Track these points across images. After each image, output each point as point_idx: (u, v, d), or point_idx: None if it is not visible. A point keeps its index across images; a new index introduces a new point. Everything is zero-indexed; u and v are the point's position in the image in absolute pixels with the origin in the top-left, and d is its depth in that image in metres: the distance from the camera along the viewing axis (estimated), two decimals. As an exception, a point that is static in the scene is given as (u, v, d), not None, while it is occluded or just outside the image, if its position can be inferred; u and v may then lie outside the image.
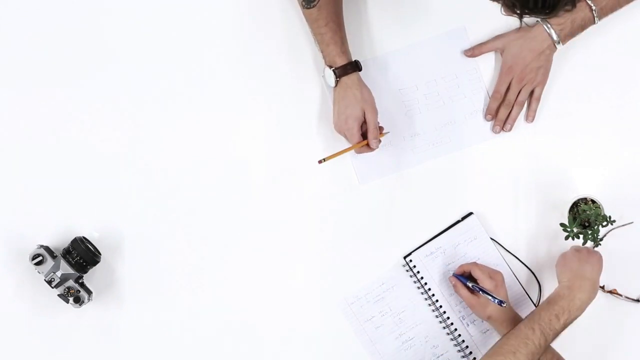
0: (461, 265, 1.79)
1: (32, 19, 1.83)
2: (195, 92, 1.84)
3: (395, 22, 1.80)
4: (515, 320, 1.73)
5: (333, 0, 1.73)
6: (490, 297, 1.71)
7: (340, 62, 1.73)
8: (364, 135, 1.75)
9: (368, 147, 1.75)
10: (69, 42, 1.83)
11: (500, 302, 1.70)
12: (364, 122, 1.75)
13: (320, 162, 1.74)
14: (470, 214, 1.82)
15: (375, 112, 1.74)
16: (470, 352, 1.81)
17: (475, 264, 1.78)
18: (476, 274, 1.75)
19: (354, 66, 1.74)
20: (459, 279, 1.78)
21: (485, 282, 1.73)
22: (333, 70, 1.74)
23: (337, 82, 1.74)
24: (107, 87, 1.83)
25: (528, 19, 1.78)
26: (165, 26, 1.84)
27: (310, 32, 1.76)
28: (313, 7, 1.71)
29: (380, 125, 1.76)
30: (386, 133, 1.79)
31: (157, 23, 1.84)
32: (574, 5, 1.37)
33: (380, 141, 1.75)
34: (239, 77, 1.84)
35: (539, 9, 1.35)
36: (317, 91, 1.83)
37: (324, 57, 1.75)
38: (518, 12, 1.37)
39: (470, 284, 1.75)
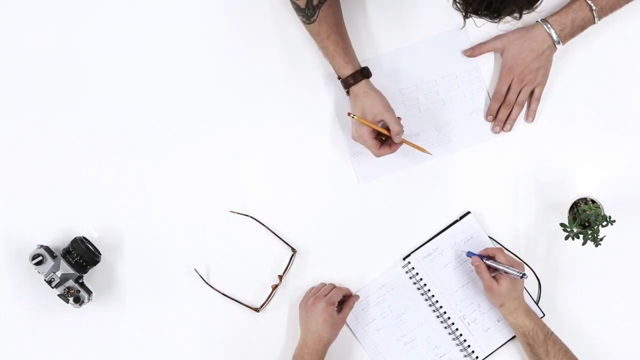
0: (486, 249, 1.77)
1: (35, 22, 1.84)
2: (197, 94, 1.84)
3: (395, 22, 1.80)
4: (526, 312, 1.74)
5: (332, 12, 1.73)
6: (514, 272, 1.70)
7: (346, 72, 1.73)
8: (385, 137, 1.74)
9: (389, 147, 1.74)
10: (72, 47, 1.84)
11: (523, 274, 1.70)
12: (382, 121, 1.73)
13: (349, 114, 1.75)
14: (468, 213, 1.82)
15: (388, 110, 1.72)
16: (473, 351, 1.81)
17: (500, 249, 1.76)
18: (500, 259, 1.73)
19: (361, 74, 1.74)
20: (483, 260, 1.76)
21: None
22: (341, 81, 1.74)
23: (347, 92, 1.75)
24: (107, 87, 1.84)
25: (527, 19, 1.79)
26: (163, 33, 1.85)
27: (316, 45, 1.77)
28: (313, 22, 1.71)
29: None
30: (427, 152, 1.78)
31: (154, 30, 1.85)
32: (520, 15, 1.39)
33: (401, 140, 1.73)
34: (242, 81, 1.84)
35: (483, 11, 1.37)
36: (318, 92, 1.84)
37: (334, 70, 1.76)
38: (463, 10, 1.39)
39: (493, 264, 1.73)
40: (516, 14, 1.38)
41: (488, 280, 1.74)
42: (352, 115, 1.73)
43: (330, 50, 1.73)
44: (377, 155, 1.74)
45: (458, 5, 1.39)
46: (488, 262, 1.74)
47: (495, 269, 1.74)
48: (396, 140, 1.72)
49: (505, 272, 1.72)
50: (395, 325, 1.82)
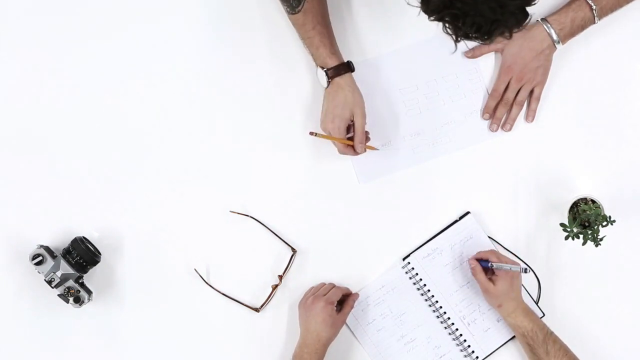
0: (479, 252, 1.77)
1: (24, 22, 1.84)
2: (197, 94, 1.84)
3: (396, 21, 1.80)
4: (525, 312, 1.73)
5: (318, 2, 1.72)
6: (513, 266, 1.71)
7: (332, 63, 1.73)
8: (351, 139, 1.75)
9: (353, 150, 1.75)
10: (67, 42, 1.84)
11: (525, 269, 1.72)
12: (352, 125, 1.74)
13: (311, 133, 1.75)
14: (467, 213, 1.82)
15: (363, 116, 1.74)
16: (473, 351, 1.81)
17: (493, 251, 1.77)
18: (493, 260, 1.74)
19: (347, 67, 1.74)
20: (479, 262, 1.76)
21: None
22: (325, 71, 1.74)
23: (329, 83, 1.74)
24: (107, 87, 1.84)
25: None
26: (163, 36, 1.85)
27: (299, 36, 1.76)
28: (298, 12, 1.71)
29: (367, 131, 1.76)
30: (376, 149, 1.80)
31: (153, 33, 1.85)
32: (510, 35, 1.39)
33: (365, 149, 1.75)
34: (241, 81, 1.84)
35: (473, 34, 1.37)
36: (318, 92, 1.83)
37: (315, 59, 1.75)
38: (453, 34, 1.39)
39: (490, 264, 1.73)
40: (507, 34, 1.38)
41: (484, 282, 1.74)
42: (314, 134, 1.74)
43: (316, 41, 1.72)
44: (340, 152, 1.76)
45: (448, 30, 1.39)
46: (490, 265, 1.74)
47: (498, 267, 1.74)
48: (358, 149, 1.74)
49: (509, 269, 1.72)
50: (395, 325, 1.82)
